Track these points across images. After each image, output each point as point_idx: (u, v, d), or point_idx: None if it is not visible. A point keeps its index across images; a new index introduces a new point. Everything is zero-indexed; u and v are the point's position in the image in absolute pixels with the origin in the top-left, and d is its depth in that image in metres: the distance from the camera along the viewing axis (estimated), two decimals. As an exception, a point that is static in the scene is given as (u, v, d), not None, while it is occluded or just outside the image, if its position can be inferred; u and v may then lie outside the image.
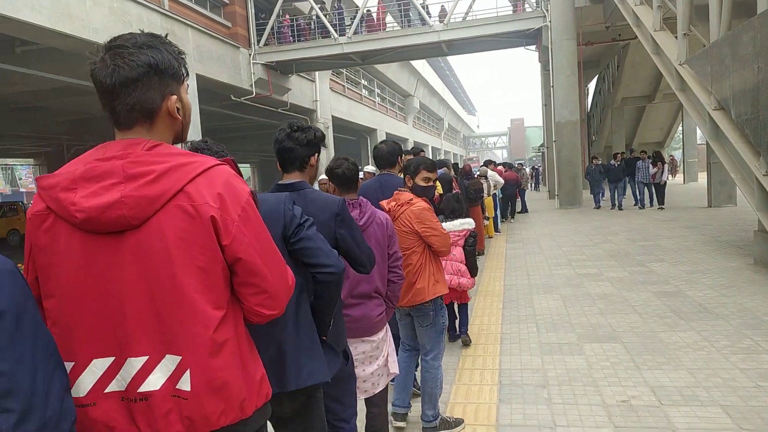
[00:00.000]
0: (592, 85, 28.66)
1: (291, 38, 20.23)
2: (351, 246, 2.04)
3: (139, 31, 1.23)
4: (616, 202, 15.07)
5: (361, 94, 32.91)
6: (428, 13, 19.03)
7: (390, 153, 3.46)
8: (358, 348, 2.41)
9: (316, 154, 2.12)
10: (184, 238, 1.16)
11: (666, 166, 14.49)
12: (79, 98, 17.51)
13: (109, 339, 1.18)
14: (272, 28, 19.61)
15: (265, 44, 19.55)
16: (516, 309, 5.59)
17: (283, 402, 1.73)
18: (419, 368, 3.16)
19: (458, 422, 3.09)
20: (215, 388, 1.18)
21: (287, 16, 20.32)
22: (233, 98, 19.37)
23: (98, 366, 1.19)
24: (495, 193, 11.58)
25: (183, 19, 15.47)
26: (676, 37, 8.80)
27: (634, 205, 15.17)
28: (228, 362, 1.20)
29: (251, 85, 19.21)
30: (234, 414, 1.21)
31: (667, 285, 6.05)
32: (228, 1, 18.65)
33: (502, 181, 13.13)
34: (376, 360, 2.47)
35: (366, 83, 34.62)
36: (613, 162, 15.83)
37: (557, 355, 4.15)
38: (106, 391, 1.19)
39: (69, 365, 1.18)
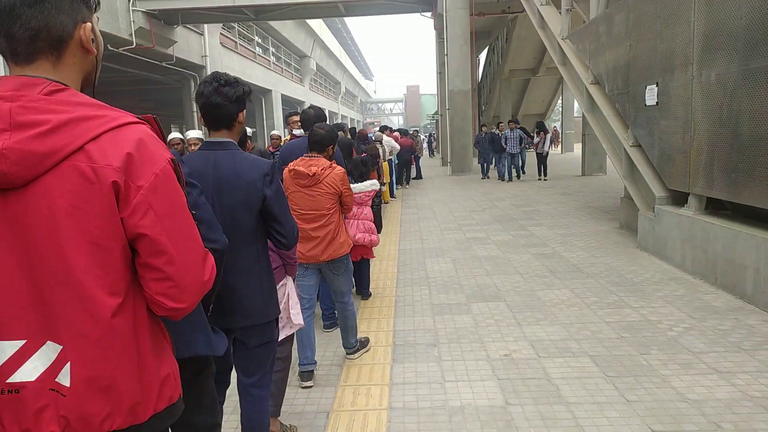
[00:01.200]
0: (483, 56, 29.72)
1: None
2: (274, 208, 2.01)
3: None
4: (505, 175, 14.81)
5: (254, 52, 31.40)
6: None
7: (317, 117, 3.75)
8: None
9: (244, 111, 2.02)
10: (77, 206, 0.96)
11: (548, 136, 14.67)
12: None
13: None
14: (154, -27, 17.92)
15: (147, -10, 17.86)
16: (410, 272, 5.75)
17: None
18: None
19: (367, 340, 3.75)
20: (100, 387, 1.00)
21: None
22: (110, 48, 17.59)
23: None
24: (391, 159, 11.70)
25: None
26: (560, 13, 9.29)
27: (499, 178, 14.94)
28: (119, 359, 1.02)
29: (131, 35, 17.53)
30: (121, 419, 1.03)
31: (546, 247, 6.53)
32: (101, -62, 16.68)
33: (398, 147, 13.32)
34: None
35: (260, 41, 33.07)
36: (496, 131, 15.54)
37: (447, 315, 4.34)
38: None
39: None
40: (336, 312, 3.75)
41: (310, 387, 3.20)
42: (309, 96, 44.89)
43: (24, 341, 0.98)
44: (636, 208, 6.44)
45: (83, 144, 0.96)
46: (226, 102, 1.93)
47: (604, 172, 14.89)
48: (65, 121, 0.95)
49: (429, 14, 20.06)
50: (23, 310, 0.98)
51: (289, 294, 2.57)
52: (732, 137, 4.41)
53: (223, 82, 1.93)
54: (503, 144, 14.15)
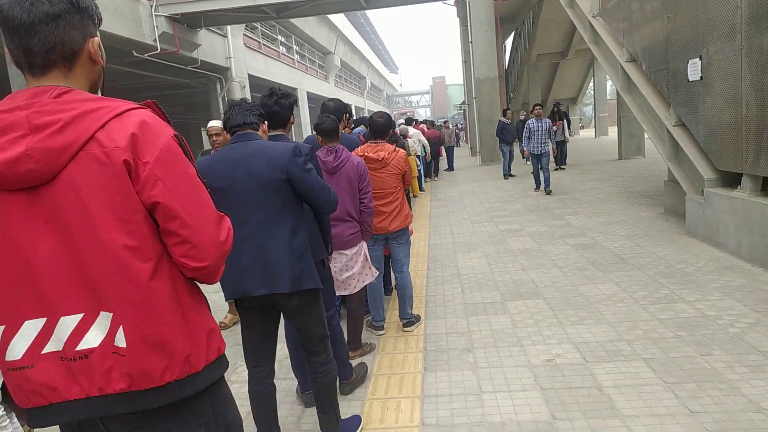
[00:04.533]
0: (509, 43, 28.98)
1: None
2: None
3: None
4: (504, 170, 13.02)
5: (278, 51, 31.43)
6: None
7: (336, 109, 3.76)
8: (336, 259, 3.21)
9: (293, 114, 2.70)
10: (100, 188, 1.08)
11: (565, 123, 13.31)
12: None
13: (34, 299, 1.12)
14: (175, -23, 17.98)
15: (168, -5, 17.93)
16: (441, 269, 5.47)
17: (292, 297, 2.28)
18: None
19: (419, 318, 4.05)
20: (153, 344, 1.14)
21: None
22: (135, 54, 17.77)
23: (30, 327, 1.13)
24: (419, 154, 11.38)
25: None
26: (590, -10, 8.81)
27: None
28: (165, 316, 1.15)
29: (155, 40, 17.64)
30: (179, 369, 1.17)
31: (584, 237, 6.15)
32: (122, -54, 16.80)
33: (426, 141, 13.01)
34: (350, 269, 3.25)
35: (283, 39, 33.08)
36: (503, 119, 13.34)
37: (482, 315, 4.05)
38: (43, 352, 1.13)
39: None
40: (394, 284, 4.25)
41: (383, 333, 3.87)
42: (334, 92, 44.80)
43: (82, 314, 1.12)
44: (682, 191, 5.98)
45: (93, 133, 1.08)
46: (282, 110, 2.61)
47: (643, 154, 14.22)
48: (74, 117, 1.07)
49: (452, 2, 19.57)
50: (74, 287, 1.11)
51: (366, 253, 3.35)
52: (793, 109, 3.97)
53: (279, 95, 2.61)
54: (524, 136, 9.79)
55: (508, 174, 12.99)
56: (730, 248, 4.87)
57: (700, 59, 5.25)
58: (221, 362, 1.28)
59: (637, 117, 7.19)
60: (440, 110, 79.36)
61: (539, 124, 9.48)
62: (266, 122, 2.47)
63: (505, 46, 26.77)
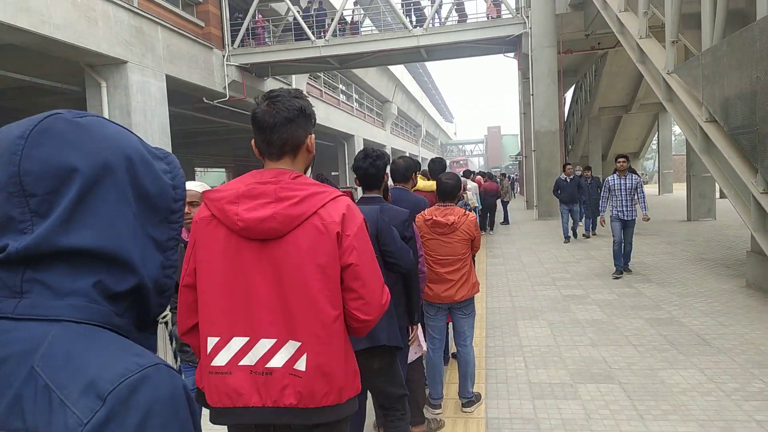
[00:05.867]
0: (568, 95, 28.66)
1: (267, 40, 19.62)
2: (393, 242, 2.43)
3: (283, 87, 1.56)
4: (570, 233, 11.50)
5: (338, 99, 32.36)
6: (409, 17, 18.60)
7: (407, 168, 3.68)
8: None
9: (387, 174, 2.77)
10: (315, 248, 1.44)
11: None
12: (42, 98, 16.62)
13: (245, 322, 1.46)
14: (247, 29, 18.95)
15: (240, 45, 18.87)
16: (501, 338, 5.12)
17: (374, 356, 2.27)
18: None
19: (479, 396, 3.72)
20: (324, 372, 1.45)
21: (261, 17, 19.67)
22: (205, 101, 18.64)
23: (236, 343, 1.47)
24: (476, 207, 11.12)
25: (153, 17, 14.75)
26: (663, 46, 8.49)
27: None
28: (335, 354, 1.48)
29: (224, 88, 18.50)
30: (333, 397, 1.47)
31: (659, 311, 5.65)
32: (201, 0, 17.95)
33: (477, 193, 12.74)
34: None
35: (344, 88, 34.09)
36: (563, 176, 11.48)
37: (549, 399, 3.67)
38: (240, 363, 1.46)
39: (214, 340, 1.48)
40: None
41: (440, 414, 3.50)
42: (390, 140, 45.49)
43: (275, 339, 1.46)
44: (770, 265, 5.44)
45: (317, 209, 1.46)
46: (377, 171, 2.64)
47: (714, 216, 13.41)
48: (306, 196, 1.47)
49: (512, 54, 19.60)
50: (276, 318, 1.46)
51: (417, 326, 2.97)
52: None
53: (374, 156, 2.64)
54: (602, 197, 8.00)
55: (568, 237, 11.45)
56: (835, 336, 4.30)
57: (795, 125, 4.82)
58: (356, 399, 1.57)
59: (718, 181, 6.70)
60: (494, 160, 78.93)
61: (623, 182, 7.46)
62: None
63: (565, 98, 26.49)
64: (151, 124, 14.35)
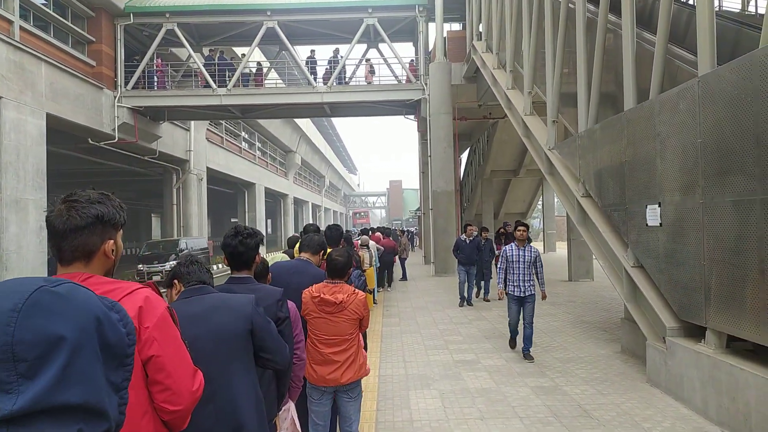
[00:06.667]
0: (464, 156, 30.32)
1: (165, 84, 18.90)
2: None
3: (91, 189, 1.50)
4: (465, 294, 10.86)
5: (240, 147, 31.73)
6: (314, 73, 18.87)
7: (319, 245, 3.77)
8: None
9: (260, 253, 2.61)
10: None
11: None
12: None
13: None
14: (144, 72, 18.16)
15: (135, 87, 17.99)
16: (391, 411, 4.96)
17: None
18: None
19: None
20: None
21: (161, 61, 18.99)
22: (91, 141, 17.38)
23: None
24: (374, 264, 11.12)
25: (36, 53, 13.69)
26: (545, 121, 9.23)
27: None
28: None
29: (114, 130, 17.41)
30: None
31: (544, 378, 5.82)
32: (94, 39, 17.01)
33: (382, 249, 12.83)
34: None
35: (246, 136, 33.56)
36: (464, 237, 10.92)
37: (438, 485, 3.54)
38: None
39: None
40: None
41: None
42: (293, 189, 45.13)
43: None
44: (640, 332, 5.85)
45: None
46: (247, 250, 2.50)
47: (592, 278, 14.47)
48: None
49: (413, 117, 20.47)
50: None
51: (293, 416, 2.76)
52: (760, 269, 3.94)
53: (245, 234, 2.51)
54: (499, 268, 7.08)
55: (464, 300, 10.91)
56: (696, 406, 4.63)
57: (659, 206, 5.33)
58: None
59: (594, 252, 7.21)
60: (396, 212, 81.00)
61: (521, 253, 6.66)
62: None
63: (461, 159, 27.96)
64: (24, 164, 13.06)
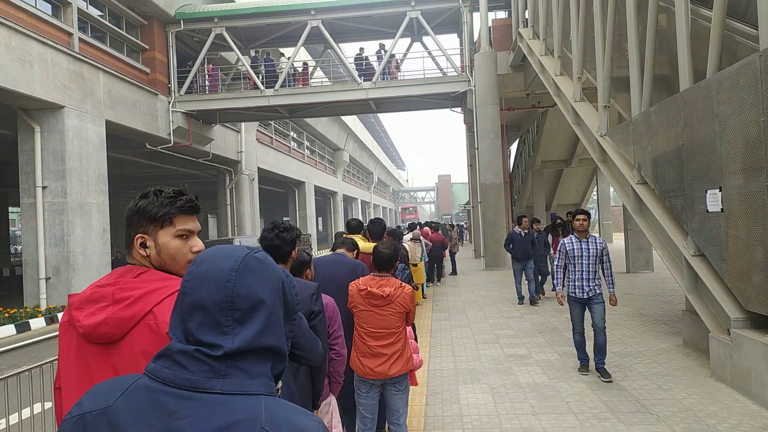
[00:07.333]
0: (514, 147, 29.70)
1: (217, 88, 19.48)
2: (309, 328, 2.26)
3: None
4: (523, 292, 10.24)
5: (289, 146, 32.32)
6: (359, 70, 18.95)
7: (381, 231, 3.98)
8: None
9: (296, 249, 2.64)
10: (149, 350, 1.35)
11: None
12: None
13: None
14: (195, 77, 18.78)
15: (187, 92, 18.64)
16: (440, 406, 4.91)
17: None
18: None
19: None
20: None
21: (211, 66, 19.58)
22: (148, 146, 18.15)
23: None
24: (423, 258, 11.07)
25: (94, 62, 14.39)
26: (597, 107, 8.89)
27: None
28: None
29: (169, 134, 18.11)
30: None
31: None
32: (147, 47, 17.72)
33: (430, 244, 12.77)
34: None
35: (295, 135, 34.15)
36: (518, 229, 10.38)
37: (488, 480, 3.48)
38: None
39: None
40: None
41: None
42: (342, 186, 45.61)
43: None
44: (703, 324, 5.54)
45: (152, 308, 1.40)
46: (284, 244, 2.54)
47: (651, 269, 13.87)
48: (141, 295, 1.42)
49: (459, 110, 20.23)
50: None
51: (333, 413, 2.78)
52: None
53: (281, 228, 2.56)
54: (556, 266, 6.08)
55: (522, 298, 10.27)
56: (765, 402, 4.34)
57: (720, 190, 5.02)
58: None
59: (651, 242, 6.89)
60: (445, 207, 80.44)
61: (584, 246, 5.59)
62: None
63: (509, 151, 27.40)
64: (87, 169, 13.76)
